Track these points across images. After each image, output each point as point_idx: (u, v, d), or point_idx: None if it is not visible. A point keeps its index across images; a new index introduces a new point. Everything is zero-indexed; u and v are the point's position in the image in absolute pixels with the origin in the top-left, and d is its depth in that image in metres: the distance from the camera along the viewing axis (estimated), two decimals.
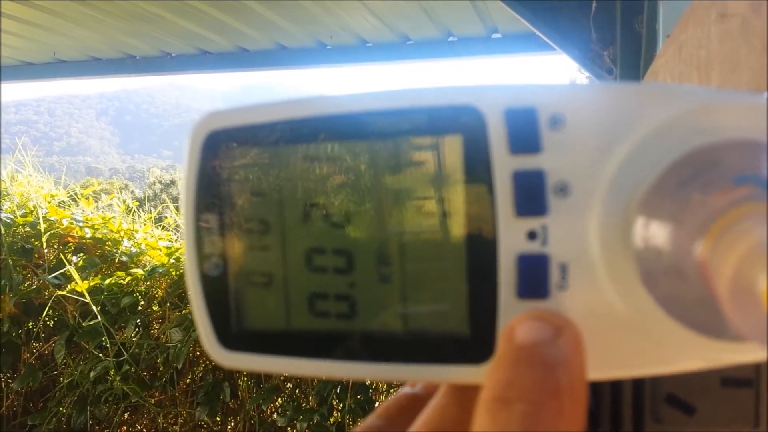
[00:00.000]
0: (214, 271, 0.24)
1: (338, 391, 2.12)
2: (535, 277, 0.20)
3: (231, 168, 0.23)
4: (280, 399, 2.25)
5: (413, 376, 0.23)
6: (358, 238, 0.22)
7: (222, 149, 0.23)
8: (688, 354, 0.19)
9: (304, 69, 3.44)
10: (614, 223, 0.19)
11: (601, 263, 0.20)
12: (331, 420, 2.13)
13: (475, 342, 0.21)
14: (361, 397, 2.10)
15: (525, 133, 0.20)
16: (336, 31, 3.02)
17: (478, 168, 0.21)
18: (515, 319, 0.20)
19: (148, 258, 2.39)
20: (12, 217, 2.31)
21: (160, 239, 2.45)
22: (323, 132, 0.22)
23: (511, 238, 0.20)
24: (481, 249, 0.21)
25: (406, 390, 0.26)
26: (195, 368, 2.27)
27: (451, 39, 3.02)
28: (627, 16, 1.46)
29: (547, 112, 0.20)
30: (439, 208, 0.21)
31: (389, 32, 2.99)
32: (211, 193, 0.23)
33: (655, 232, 0.18)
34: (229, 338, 0.24)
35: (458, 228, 0.21)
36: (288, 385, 2.24)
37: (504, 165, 0.20)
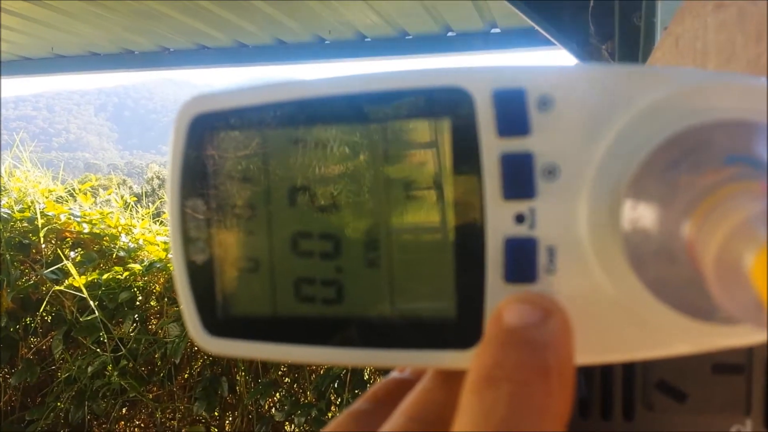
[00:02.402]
0: (200, 256, 0.23)
1: (336, 385, 2.12)
2: (522, 261, 0.20)
3: (216, 152, 0.23)
4: (278, 394, 2.25)
5: (401, 361, 0.22)
6: (345, 223, 0.22)
7: (207, 133, 0.23)
8: (677, 338, 0.19)
9: (302, 64, 3.43)
10: (603, 206, 0.19)
11: (589, 246, 0.19)
12: (329, 414, 2.13)
13: (462, 326, 0.21)
14: (359, 391, 2.10)
15: (513, 115, 0.20)
16: (335, 26, 3.01)
17: (465, 150, 0.21)
18: (503, 302, 0.20)
19: (145, 253, 2.39)
20: (10, 212, 2.31)
21: (158, 234, 2.45)
22: (308, 116, 0.22)
23: (499, 221, 0.20)
24: (468, 232, 0.21)
25: (394, 375, 0.26)
26: (193, 363, 2.27)
27: (450, 34, 3.02)
28: (625, 10, 1.46)
29: (535, 93, 0.20)
30: (427, 191, 0.21)
31: (388, 27, 2.98)
32: (196, 178, 0.23)
33: (643, 214, 0.18)
34: (216, 324, 0.24)
35: (446, 212, 0.21)
36: (286, 380, 2.24)
37: (492, 147, 0.20)
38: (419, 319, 0.22)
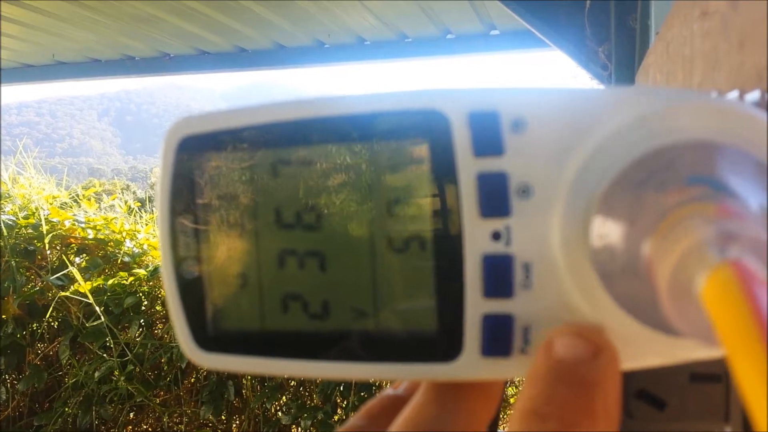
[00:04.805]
0: (190, 273, 0.24)
1: (342, 389, 2.13)
2: (499, 277, 0.21)
3: (204, 172, 0.24)
4: (284, 397, 2.26)
5: (386, 374, 0.23)
6: (329, 240, 0.23)
7: (195, 154, 0.24)
8: (647, 351, 0.20)
9: (302, 68, 3.44)
10: (574, 224, 0.20)
11: (562, 263, 0.20)
12: (335, 418, 2.14)
13: (443, 340, 0.22)
14: (365, 394, 2.11)
15: (488, 137, 0.21)
16: (334, 29, 3.02)
17: (443, 170, 0.21)
18: (554, 332, 0.20)
19: (150, 258, 2.40)
20: (14, 219, 2.32)
21: None
22: (291, 137, 0.23)
23: (477, 238, 0.21)
24: (447, 249, 0.21)
25: (388, 391, 0.26)
26: (199, 367, 2.28)
27: (449, 36, 3.02)
28: (621, 13, 1.46)
29: (509, 115, 0.21)
30: (407, 209, 0.22)
31: (387, 30, 2.99)
32: (185, 196, 0.24)
33: (610, 232, 0.18)
34: (207, 339, 0.24)
35: (425, 229, 0.22)
36: (292, 384, 2.25)
37: (468, 167, 0.21)
38: (402, 333, 0.22)
